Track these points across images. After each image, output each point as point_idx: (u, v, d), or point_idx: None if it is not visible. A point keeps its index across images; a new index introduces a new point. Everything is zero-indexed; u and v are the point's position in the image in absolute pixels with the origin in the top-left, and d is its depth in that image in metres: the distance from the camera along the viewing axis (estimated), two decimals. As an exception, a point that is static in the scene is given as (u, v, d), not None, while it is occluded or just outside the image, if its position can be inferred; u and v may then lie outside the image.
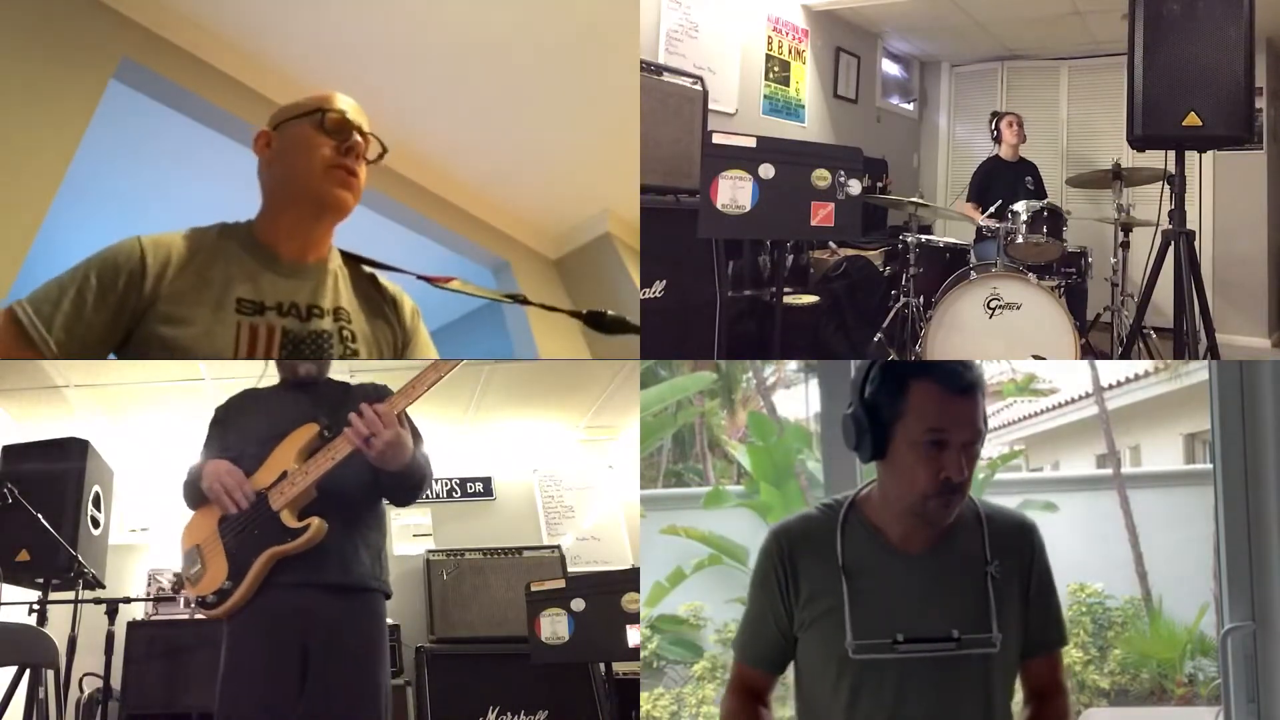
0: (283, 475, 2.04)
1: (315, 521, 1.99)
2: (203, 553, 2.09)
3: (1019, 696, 1.53)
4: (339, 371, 2.25)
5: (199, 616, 2.11)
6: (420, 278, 1.93)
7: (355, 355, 1.77)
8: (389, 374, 2.16)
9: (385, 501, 2.21)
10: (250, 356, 1.65)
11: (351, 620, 2.04)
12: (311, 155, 1.75)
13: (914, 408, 1.36)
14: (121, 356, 1.69)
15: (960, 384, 1.35)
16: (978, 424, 1.36)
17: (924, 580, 1.43)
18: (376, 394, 2.13)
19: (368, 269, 1.93)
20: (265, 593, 2.00)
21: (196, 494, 2.13)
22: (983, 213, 4.50)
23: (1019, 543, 1.48)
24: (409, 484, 2.08)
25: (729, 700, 1.54)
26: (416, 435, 2.09)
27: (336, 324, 1.77)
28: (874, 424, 1.39)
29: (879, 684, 1.40)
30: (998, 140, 5.06)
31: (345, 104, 1.81)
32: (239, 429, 2.18)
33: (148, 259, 1.66)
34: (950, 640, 1.39)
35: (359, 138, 1.77)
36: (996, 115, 5.16)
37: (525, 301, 2.00)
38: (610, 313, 1.79)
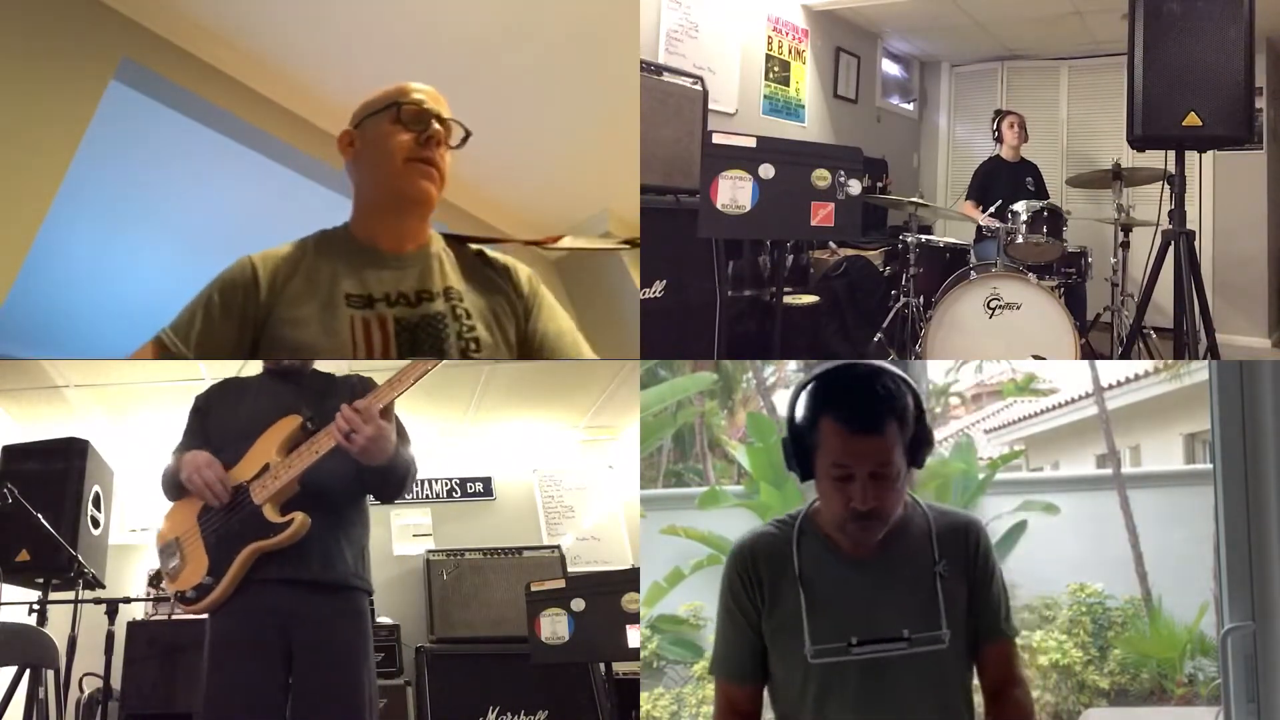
0: (264, 468, 2.02)
1: (298, 517, 1.97)
2: (182, 546, 2.07)
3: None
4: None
5: (178, 614, 2.10)
6: (526, 243, 1.93)
7: (472, 332, 1.76)
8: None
9: (371, 499, 2.19)
10: (368, 349, 1.68)
11: (335, 618, 2.03)
12: (391, 150, 1.76)
13: (822, 442, 1.43)
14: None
15: (859, 424, 1.41)
16: (882, 457, 1.41)
17: (875, 584, 1.49)
18: (362, 385, 2.12)
19: (473, 245, 1.92)
20: (247, 589, 1.99)
21: (175, 485, 2.12)
22: (983, 212, 4.50)
23: (963, 539, 1.52)
24: (392, 481, 2.06)
25: None
26: (402, 433, 2.07)
27: (449, 304, 1.77)
28: (799, 450, 1.47)
29: (842, 687, 1.46)
30: (999, 140, 5.06)
31: (422, 92, 1.81)
32: (219, 419, 2.17)
33: (259, 271, 1.75)
34: (901, 640, 1.44)
35: (438, 125, 1.78)
36: (999, 114, 5.15)
37: (636, 244, 1.98)
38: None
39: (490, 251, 1.93)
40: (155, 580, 2.15)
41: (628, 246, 1.97)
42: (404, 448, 2.06)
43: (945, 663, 1.47)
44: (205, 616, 2.05)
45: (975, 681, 1.55)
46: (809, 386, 1.47)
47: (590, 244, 2.01)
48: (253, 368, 2.22)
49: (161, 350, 1.73)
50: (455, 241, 1.90)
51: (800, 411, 1.46)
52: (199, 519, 2.06)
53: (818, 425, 1.43)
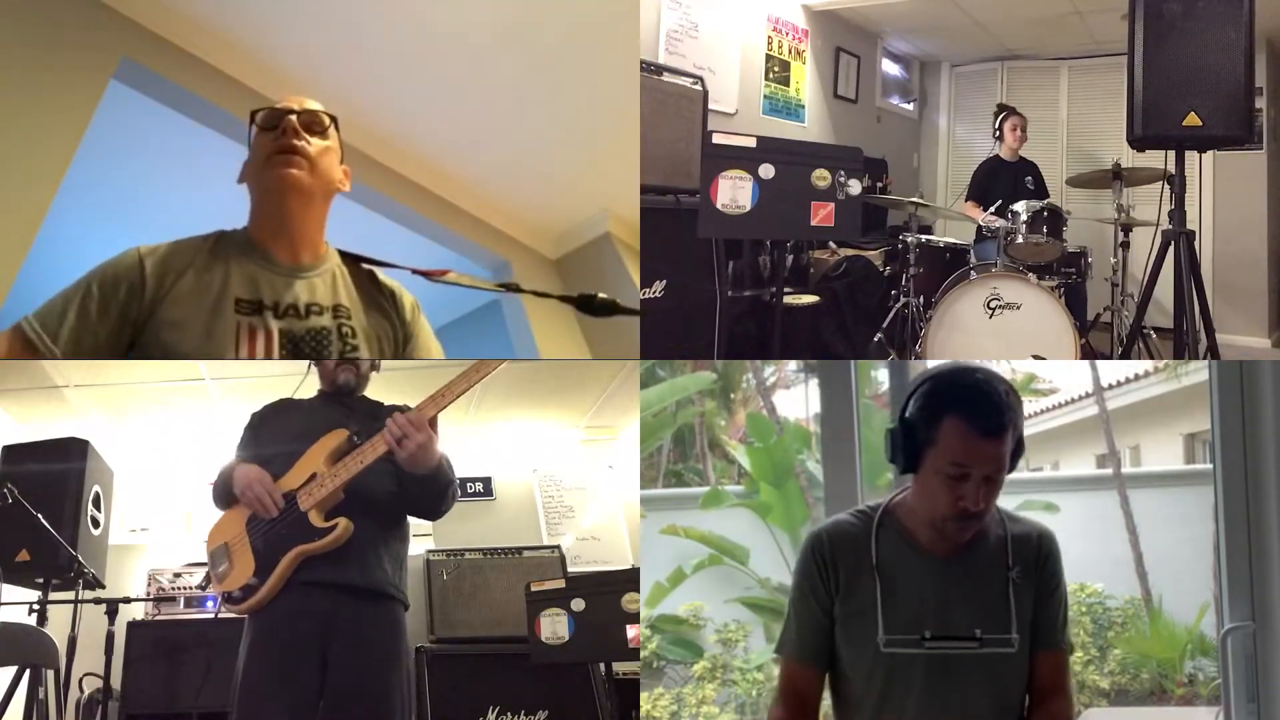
0: (312, 477, 2.09)
1: (342, 522, 2.04)
2: (230, 550, 2.13)
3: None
4: (374, 391, 2.32)
5: (225, 614, 2.16)
6: (415, 272, 1.95)
7: (355, 351, 1.79)
8: (421, 372, 2.17)
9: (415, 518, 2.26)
10: (250, 356, 1.67)
11: (372, 625, 2.08)
12: (257, 154, 1.82)
13: (943, 440, 1.47)
14: None
15: (989, 426, 1.45)
16: (1001, 461, 1.46)
17: (951, 582, 1.53)
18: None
19: (366, 266, 1.95)
20: (289, 591, 2.04)
21: (227, 495, 2.18)
22: (984, 211, 4.49)
23: (1034, 548, 1.56)
24: (435, 489, 2.12)
25: (778, 709, 1.58)
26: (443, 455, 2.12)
27: (335, 320, 1.79)
28: (909, 442, 1.51)
29: (909, 679, 1.50)
30: (999, 138, 5.02)
31: (287, 100, 1.85)
32: (271, 433, 2.24)
33: (146, 268, 1.71)
34: (973, 640, 1.49)
35: (291, 118, 1.80)
36: (1004, 112, 5.07)
37: (517, 289, 2.02)
38: (600, 295, 1.85)
39: (380, 274, 1.96)
40: (205, 583, 2.23)
41: (504, 289, 2.01)
42: (443, 460, 2.12)
43: (1010, 666, 1.51)
44: (217, 616, 2.07)
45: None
46: (928, 385, 1.51)
47: (473, 283, 2.05)
48: (308, 389, 2.32)
49: (21, 344, 1.64)
50: (350, 260, 1.93)
51: (918, 408, 1.50)
52: (247, 525, 2.12)
53: (940, 423, 1.46)
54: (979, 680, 1.49)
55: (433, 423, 2.02)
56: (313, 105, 1.85)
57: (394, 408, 2.20)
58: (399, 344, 1.92)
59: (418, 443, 1.98)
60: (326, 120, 1.85)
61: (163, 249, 1.76)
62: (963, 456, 1.45)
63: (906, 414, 1.52)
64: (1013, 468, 1.50)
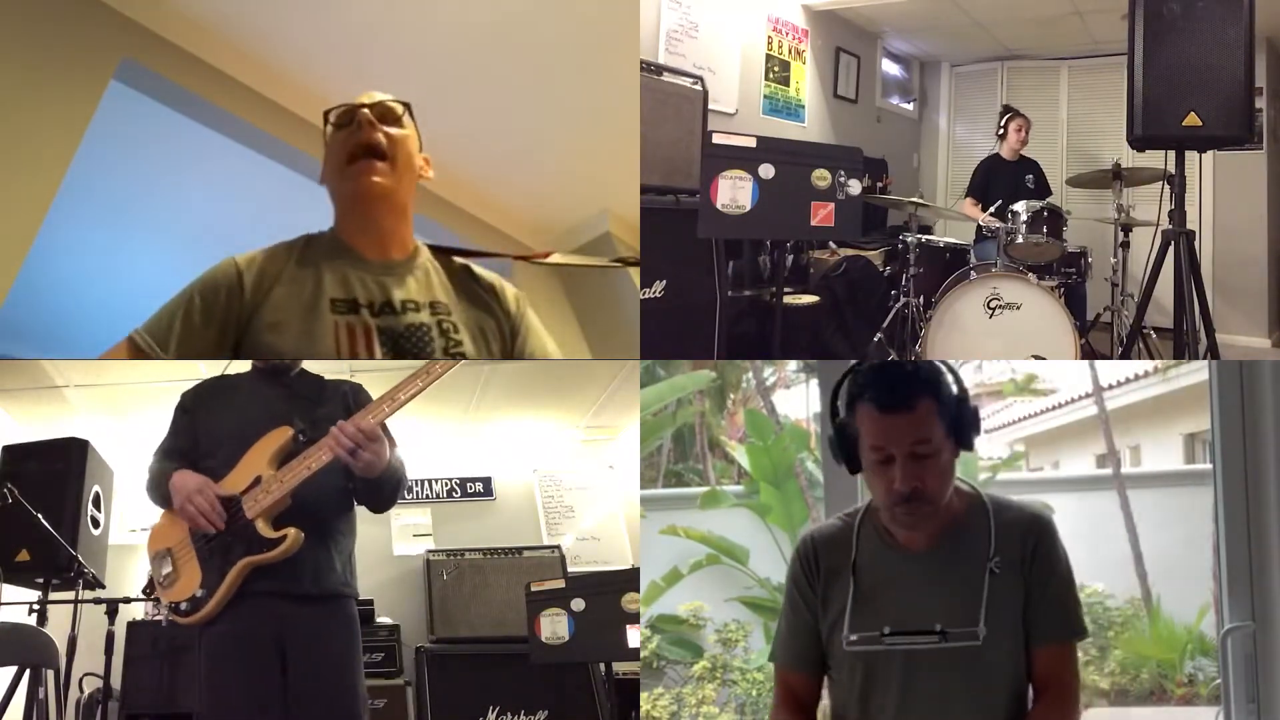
0: (256, 481, 2.01)
1: (292, 533, 1.97)
2: (175, 557, 2.07)
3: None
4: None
5: (171, 619, 2.10)
6: (516, 258, 1.93)
7: (459, 346, 1.77)
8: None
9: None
10: (352, 354, 1.67)
11: (328, 626, 2.05)
12: (335, 156, 1.81)
13: (862, 428, 1.43)
14: None
15: (893, 401, 1.41)
16: (919, 434, 1.40)
17: (925, 577, 1.48)
18: (354, 394, 2.15)
19: (460, 261, 1.93)
20: (240, 601, 1.99)
21: (165, 497, 2.10)
22: (983, 211, 4.49)
23: (1020, 536, 1.49)
24: (385, 491, 2.07)
25: (776, 715, 1.56)
26: (391, 440, 2.06)
27: (434, 317, 1.77)
28: (843, 441, 1.47)
29: (886, 679, 1.46)
30: (1003, 137, 5.01)
31: (359, 97, 1.83)
32: (207, 421, 2.16)
33: (243, 273, 1.74)
34: (933, 634, 1.43)
35: (365, 111, 1.79)
36: (1010, 113, 5.04)
37: (635, 263, 1.98)
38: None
39: (477, 268, 1.94)
40: (149, 589, 2.18)
41: (620, 265, 1.97)
42: (393, 455, 2.06)
43: (988, 662, 1.44)
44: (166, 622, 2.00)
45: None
46: (844, 379, 1.47)
47: (583, 261, 2.01)
48: (239, 365, 2.20)
49: (135, 353, 1.71)
50: (442, 254, 1.91)
51: (842, 404, 1.47)
52: (191, 531, 2.05)
53: (855, 413, 1.44)
54: (956, 679, 1.43)
55: (383, 425, 1.97)
56: (383, 97, 1.84)
57: (338, 386, 2.17)
58: (506, 339, 1.88)
59: (373, 452, 1.92)
60: (400, 109, 1.84)
61: (258, 256, 1.78)
62: (877, 438, 1.41)
63: (836, 414, 1.48)
64: (966, 442, 1.44)
